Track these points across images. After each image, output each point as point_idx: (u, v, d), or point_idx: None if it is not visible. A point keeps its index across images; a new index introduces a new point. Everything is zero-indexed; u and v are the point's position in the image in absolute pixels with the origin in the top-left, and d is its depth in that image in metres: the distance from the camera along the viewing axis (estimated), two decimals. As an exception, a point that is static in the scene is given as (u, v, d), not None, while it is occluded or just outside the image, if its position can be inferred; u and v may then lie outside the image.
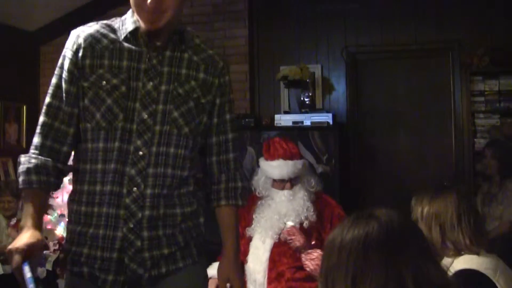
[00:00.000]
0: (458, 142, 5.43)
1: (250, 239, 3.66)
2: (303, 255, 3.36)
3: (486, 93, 5.27)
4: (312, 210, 3.56)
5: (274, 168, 3.64)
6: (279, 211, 3.59)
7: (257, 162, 4.39)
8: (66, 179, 5.89)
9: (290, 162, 3.62)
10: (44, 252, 4.80)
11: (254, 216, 3.69)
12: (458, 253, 2.33)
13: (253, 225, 3.67)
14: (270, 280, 3.46)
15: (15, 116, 6.21)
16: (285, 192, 3.63)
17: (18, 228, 4.93)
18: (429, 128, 5.58)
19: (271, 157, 3.68)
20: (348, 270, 1.43)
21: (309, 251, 3.39)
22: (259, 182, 3.78)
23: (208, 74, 2.13)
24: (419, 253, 1.44)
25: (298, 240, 3.39)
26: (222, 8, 6.02)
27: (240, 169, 2.27)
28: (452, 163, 5.48)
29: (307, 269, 3.34)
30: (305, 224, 3.54)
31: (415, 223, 1.67)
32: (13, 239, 2.19)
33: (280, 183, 3.66)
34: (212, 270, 3.52)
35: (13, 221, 5.00)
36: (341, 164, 5.16)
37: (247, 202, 2.27)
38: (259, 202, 3.74)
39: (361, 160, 5.71)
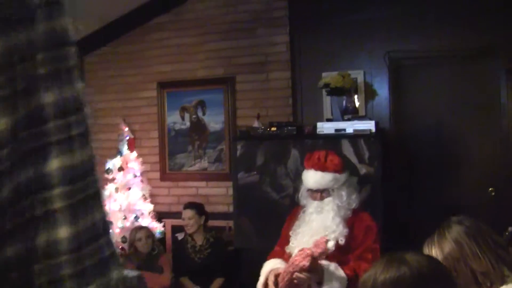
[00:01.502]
0: (504, 149, 5.35)
1: (290, 255, 3.73)
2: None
3: (532, 98, 5.19)
4: (342, 225, 3.59)
5: (307, 177, 3.80)
6: (312, 226, 3.66)
7: (301, 164, 4.68)
8: (113, 187, 6.04)
9: (319, 173, 3.74)
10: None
11: (290, 233, 3.77)
12: (491, 285, 2.23)
13: (290, 242, 3.75)
14: None
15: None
16: (315, 203, 3.74)
17: None
18: (474, 135, 5.51)
19: (307, 166, 3.84)
20: None
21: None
22: (302, 191, 3.88)
23: None
24: None
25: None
26: (263, 15, 6.04)
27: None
28: (498, 170, 5.40)
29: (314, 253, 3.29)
30: (340, 240, 3.57)
31: (445, 268, 1.68)
32: None
33: (313, 193, 3.77)
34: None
35: None
36: (384, 171, 5.13)
37: None
38: (299, 215, 3.83)
39: (404, 166, 5.66)
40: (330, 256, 3.51)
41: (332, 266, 3.36)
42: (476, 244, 2.24)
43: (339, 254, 3.59)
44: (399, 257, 1.55)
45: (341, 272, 3.38)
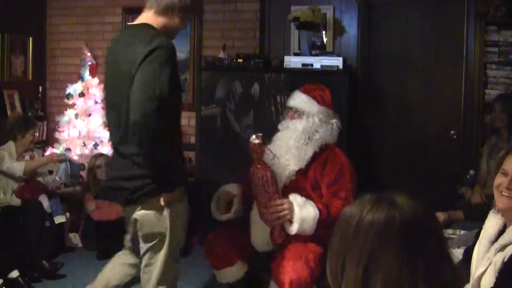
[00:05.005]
0: (468, 91, 5.39)
1: None
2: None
3: (500, 44, 5.18)
4: (302, 152, 3.61)
5: (290, 98, 3.84)
6: (276, 144, 3.70)
7: (265, 97, 4.94)
8: (73, 113, 5.92)
9: (300, 94, 3.77)
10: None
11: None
12: None
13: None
14: None
15: (21, 48, 6.12)
16: (284, 121, 3.80)
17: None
18: (439, 76, 5.51)
19: (299, 90, 3.87)
20: (362, 256, 1.40)
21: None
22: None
23: None
24: (435, 250, 1.42)
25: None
26: None
27: None
28: (461, 112, 5.45)
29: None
30: (296, 166, 3.59)
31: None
32: None
33: (288, 113, 3.81)
34: None
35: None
36: (349, 108, 5.11)
37: None
38: None
39: (369, 104, 5.66)
40: (301, 189, 3.53)
41: (302, 204, 3.36)
42: None
43: (310, 188, 3.58)
44: (389, 199, 1.46)
45: (311, 211, 3.37)
